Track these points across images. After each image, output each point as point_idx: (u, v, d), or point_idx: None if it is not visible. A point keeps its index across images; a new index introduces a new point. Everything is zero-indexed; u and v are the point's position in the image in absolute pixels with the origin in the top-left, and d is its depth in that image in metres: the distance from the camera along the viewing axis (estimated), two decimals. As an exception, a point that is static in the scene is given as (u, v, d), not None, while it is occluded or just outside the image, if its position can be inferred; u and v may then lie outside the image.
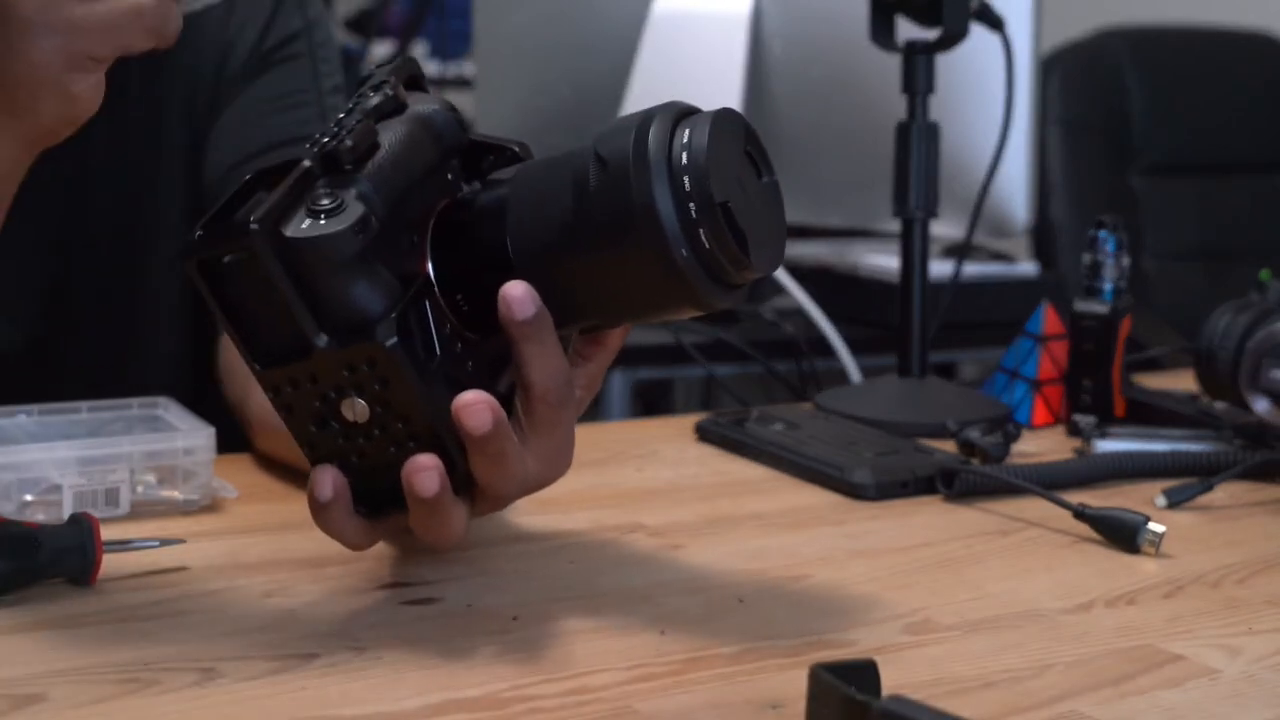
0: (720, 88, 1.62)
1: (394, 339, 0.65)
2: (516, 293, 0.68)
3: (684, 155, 0.67)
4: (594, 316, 0.72)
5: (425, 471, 0.67)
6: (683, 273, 0.67)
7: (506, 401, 0.71)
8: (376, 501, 0.70)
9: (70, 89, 0.69)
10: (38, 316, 1.06)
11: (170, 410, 0.92)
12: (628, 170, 0.67)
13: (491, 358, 0.71)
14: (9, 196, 0.77)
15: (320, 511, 0.69)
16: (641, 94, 1.64)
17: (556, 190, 0.69)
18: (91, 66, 0.69)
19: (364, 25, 3.47)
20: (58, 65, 0.68)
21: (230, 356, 1.05)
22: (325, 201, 0.65)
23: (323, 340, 0.66)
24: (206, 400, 1.02)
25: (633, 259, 0.67)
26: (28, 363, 1.06)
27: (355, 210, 0.65)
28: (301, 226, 0.65)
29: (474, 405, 0.66)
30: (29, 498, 0.83)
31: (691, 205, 0.66)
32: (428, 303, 0.68)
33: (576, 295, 0.70)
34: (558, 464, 0.73)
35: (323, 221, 0.65)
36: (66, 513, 0.80)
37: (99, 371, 1.06)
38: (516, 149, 0.76)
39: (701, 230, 0.67)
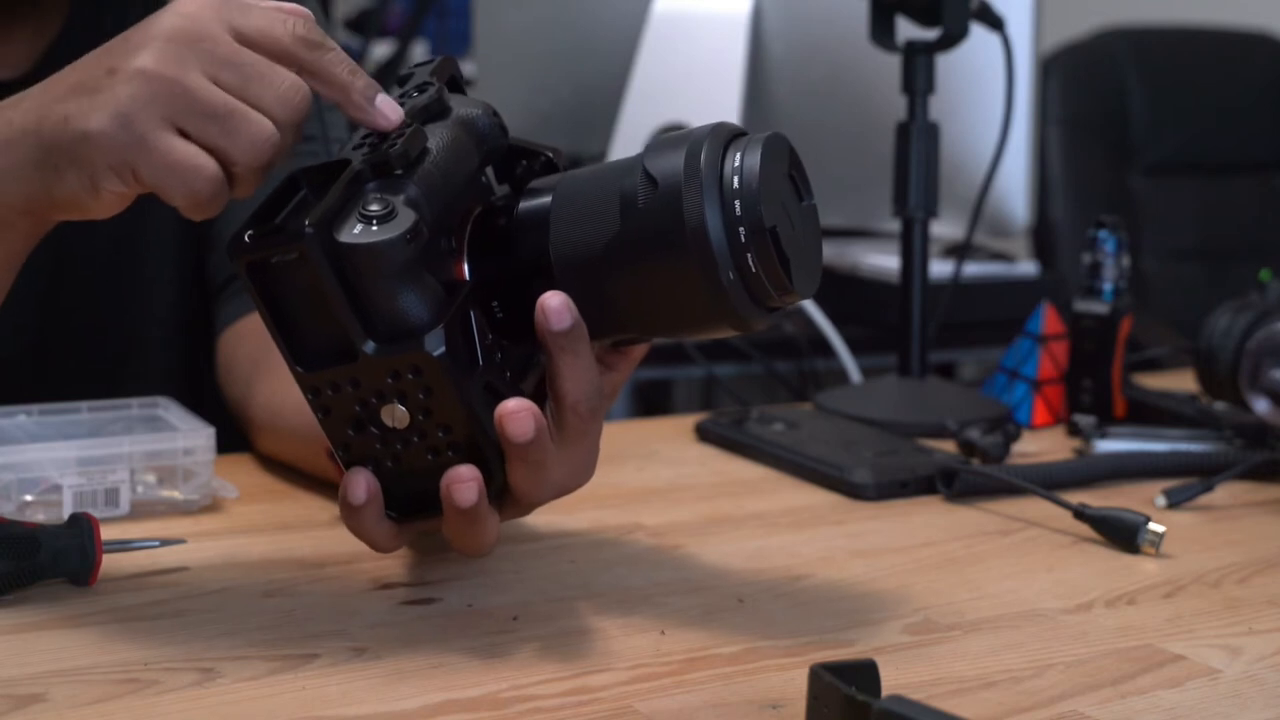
0: (720, 88, 1.62)
1: (442, 348, 0.65)
2: (554, 303, 0.68)
3: (735, 179, 0.67)
4: (632, 330, 0.72)
5: (465, 484, 0.67)
6: (727, 294, 0.67)
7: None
8: (408, 506, 0.70)
9: (100, 181, 0.67)
10: (34, 324, 1.06)
11: (170, 410, 0.92)
12: (680, 190, 0.67)
13: (522, 364, 0.72)
14: (13, 268, 0.76)
15: (352, 514, 0.70)
16: (641, 94, 1.65)
17: (603, 204, 0.69)
18: (129, 181, 0.67)
19: (364, 25, 3.47)
20: (109, 161, 0.67)
21: (230, 356, 1.05)
22: (376, 207, 0.65)
23: (370, 346, 0.66)
24: (204, 404, 1.02)
25: (678, 277, 0.67)
26: (25, 369, 1.06)
27: (407, 217, 0.65)
28: (354, 231, 0.65)
29: (518, 413, 0.66)
30: (29, 498, 0.83)
31: (741, 229, 0.67)
32: (471, 312, 0.68)
33: (617, 309, 0.70)
34: (583, 473, 0.73)
35: (374, 227, 0.65)
36: (66, 513, 0.80)
37: (96, 377, 1.06)
38: (550, 154, 0.76)
39: (749, 254, 0.67)
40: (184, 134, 0.67)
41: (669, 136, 0.70)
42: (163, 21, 0.68)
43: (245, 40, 0.68)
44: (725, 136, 0.69)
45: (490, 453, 0.68)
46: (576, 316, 0.68)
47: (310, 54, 0.69)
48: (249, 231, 0.66)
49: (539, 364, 0.72)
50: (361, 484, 0.69)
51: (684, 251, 0.67)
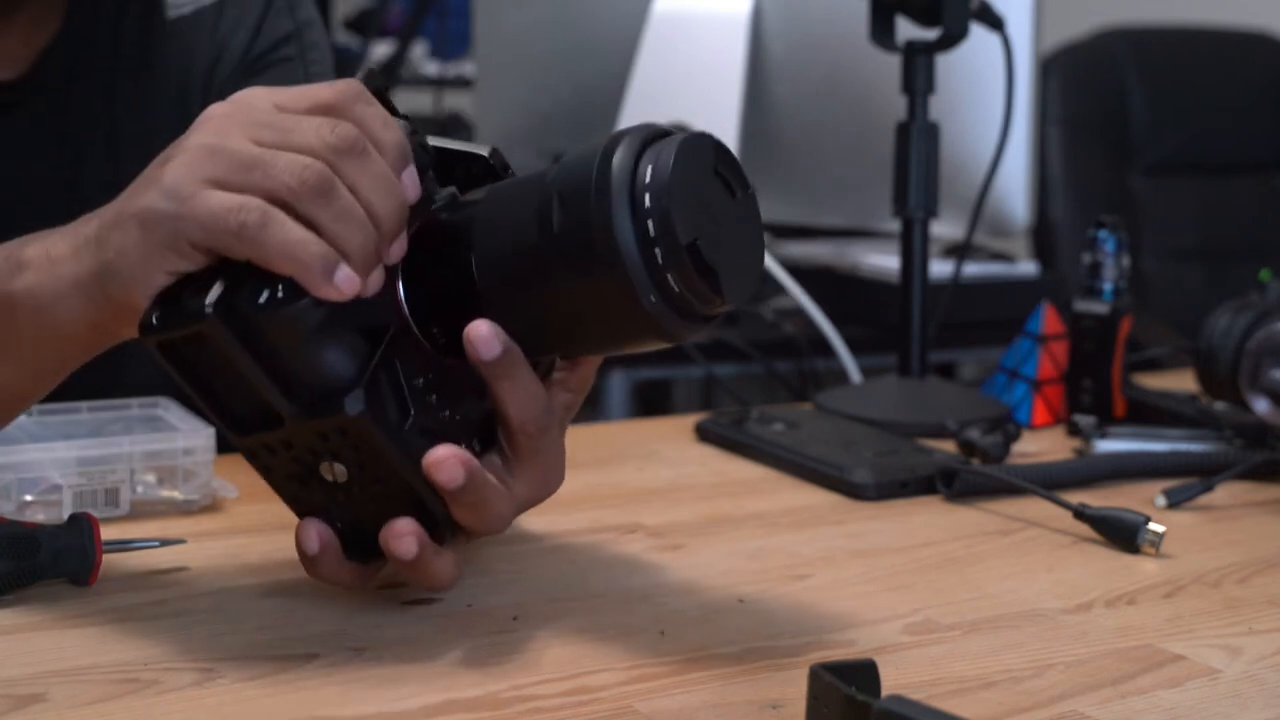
0: (720, 88, 1.62)
1: (361, 408, 0.64)
2: (482, 332, 0.67)
3: (646, 196, 0.64)
4: (563, 349, 0.71)
5: (402, 538, 0.67)
6: (651, 316, 0.65)
7: (490, 428, 0.71)
8: (366, 551, 0.70)
9: (157, 271, 0.66)
10: None
11: (170, 410, 0.92)
12: (590, 210, 0.64)
13: (474, 381, 0.70)
14: (41, 361, 0.75)
15: (311, 563, 0.70)
16: (641, 94, 1.65)
17: (523, 220, 0.66)
18: (187, 255, 0.66)
19: (364, 25, 3.47)
20: (161, 235, 0.66)
21: None
22: (274, 279, 0.64)
23: (292, 411, 0.65)
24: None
25: (599, 300, 0.65)
26: None
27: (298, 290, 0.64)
28: (259, 301, 0.64)
29: (445, 462, 0.66)
30: (29, 498, 0.83)
31: (658, 250, 0.64)
32: (397, 360, 0.67)
33: (545, 327, 0.68)
34: (548, 485, 0.73)
35: (280, 294, 0.64)
36: (66, 513, 0.80)
37: (92, 381, 1.06)
38: (487, 155, 0.74)
39: (670, 274, 0.64)
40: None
41: (588, 146, 0.66)
42: (210, 110, 0.69)
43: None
44: (639, 144, 0.66)
45: (430, 500, 0.67)
46: (506, 342, 0.67)
47: (342, 163, 0.67)
48: (152, 316, 0.65)
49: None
50: (313, 534, 0.69)
51: (600, 276, 0.64)
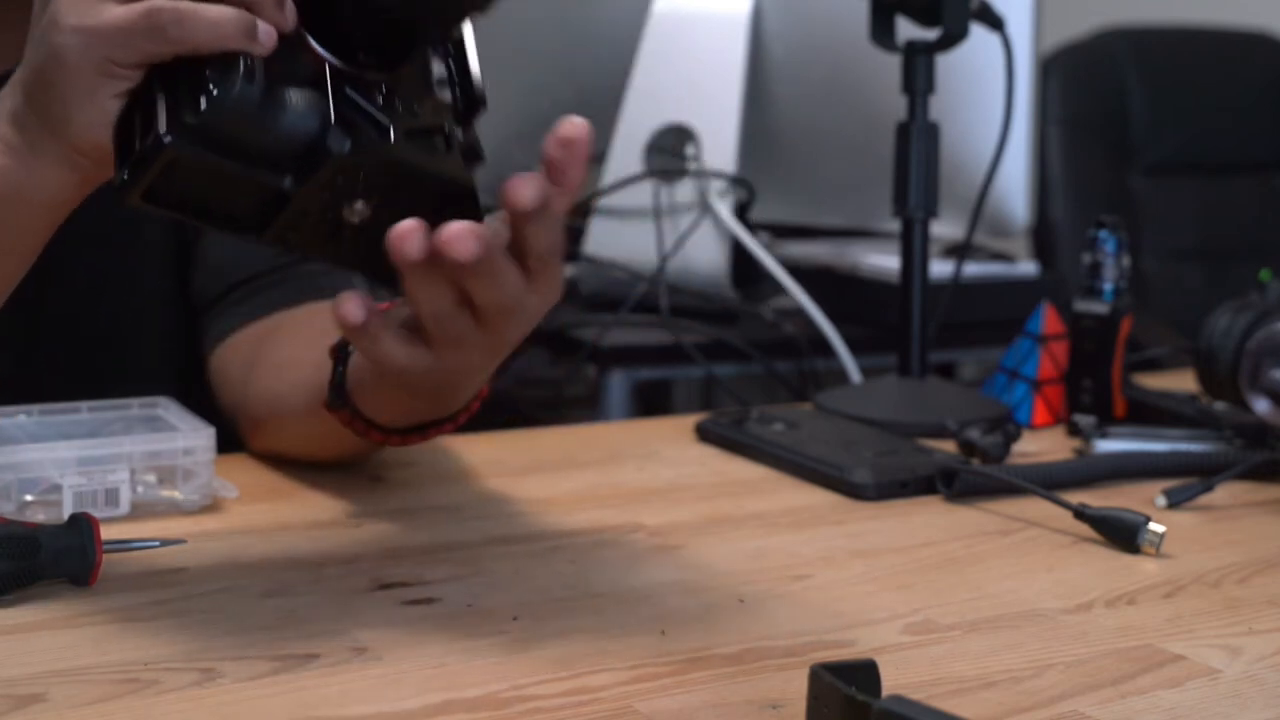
0: (720, 88, 1.62)
1: (345, 143, 0.66)
2: (524, 191, 0.67)
3: None
4: None
5: (409, 235, 0.66)
6: None
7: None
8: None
9: (103, 101, 0.67)
10: (22, 333, 1.05)
11: (170, 410, 0.92)
12: None
13: (423, 75, 0.70)
14: (53, 226, 0.76)
15: (361, 335, 0.70)
16: (641, 94, 1.64)
17: None
18: (120, 74, 0.67)
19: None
20: (88, 68, 0.67)
21: (223, 369, 1.04)
22: (208, 71, 0.65)
23: (289, 183, 0.66)
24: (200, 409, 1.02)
25: None
26: (12, 379, 1.05)
27: (233, 61, 0.65)
28: (201, 107, 0.65)
29: (458, 239, 0.66)
30: (29, 498, 0.83)
31: None
32: (348, 89, 0.68)
33: None
34: (554, 294, 0.72)
35: (214, 90, 0.65)
36: (66, 513, 0.80)
37: (86, 391, 1.06)
38: None
39: None
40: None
41: None
42: None
43: None
44: None
45: (457, 178, 0.69)
46: (545, 187, 0.67)
47: None
48: (122, 174, 0.66)
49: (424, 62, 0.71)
50: (356, 304, 0.69)
51: None
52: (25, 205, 0.73)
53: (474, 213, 0.70)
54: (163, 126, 0.65)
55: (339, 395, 0.86)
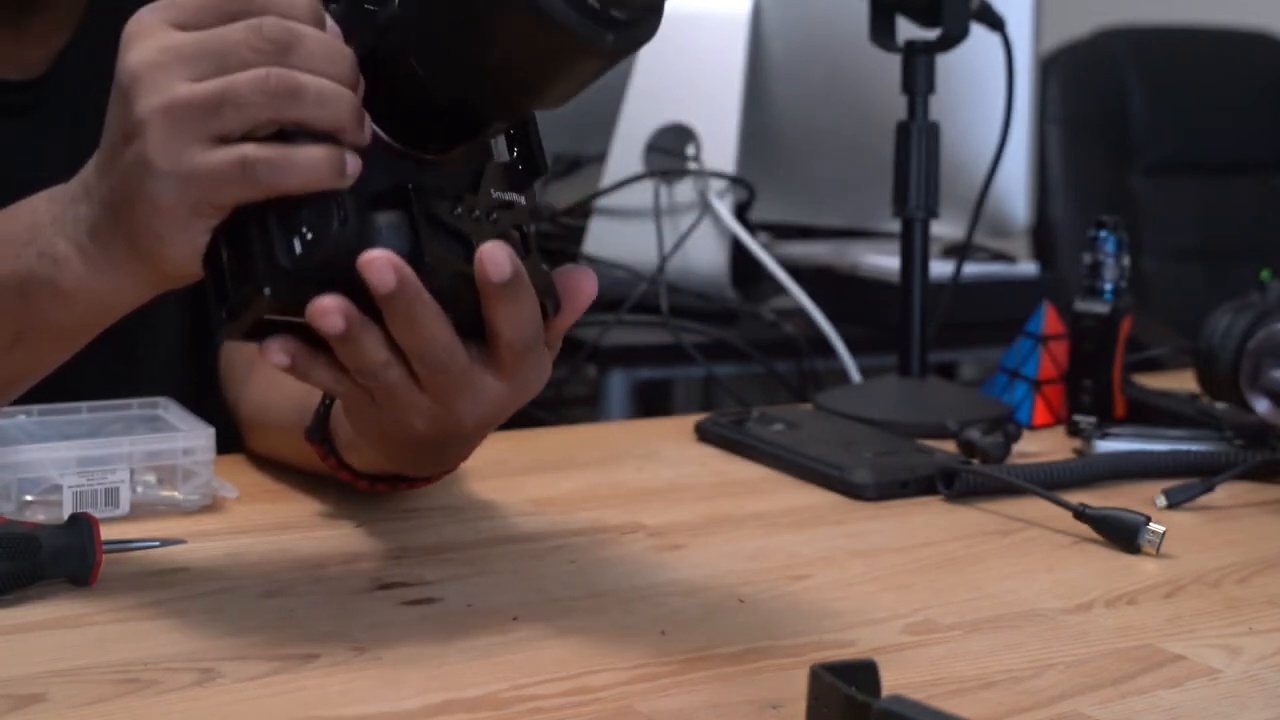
0: (720, 88, 1.62)
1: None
2: (496, 255, 0.66)
3: None
4: (508, 99, 0.69)
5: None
6: (551, 17, 0.63)
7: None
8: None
9: (196, 237, 0.67)
10: None
11: (170, 410, 0.92)
12: None
13: (461, 175, 0.70)
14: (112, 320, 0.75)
15: (293, 372, 0.69)
16: (641, 94, 1.65)
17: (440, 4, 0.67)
18: (213, 213, 0.66)
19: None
20: (183, 210, 0.66)
21: (229, 364, 1.05)
22: (301, 210, 0.65)
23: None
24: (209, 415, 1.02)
25: (517, 29, 0.64)
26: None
27: (324, 199, 0.65)
28: (297, 251, 0.65)
29: (375, 263, 0.65)
30: (29, 498, 0.83)
31: None
32: (427, 203, 0.67)
33: (489, 83, 0.67)
34: (529, 389, 0.72)
35: (308, 233, 0.65)
36: (66, 513, 0.80)
37: (98, 380, 1.06)
38: None
39: None
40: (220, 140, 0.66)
41: None
42: (125, 65, 0.67)
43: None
44: None
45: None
46: (515, 262, 0.66)
47: (287, 57, 0.66)
48: (220, 314, 0.67)
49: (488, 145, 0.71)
50: (274, 351, 0.68)
51: (513, 5, 0.64)
52: (96, 310, 0.73)
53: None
54: (261, 273, 0.65)
55: (319, 428, 0.86)
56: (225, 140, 0.65)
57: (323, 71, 0.65)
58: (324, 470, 0.90)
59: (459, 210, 0.69)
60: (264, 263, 0.65)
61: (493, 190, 0.71)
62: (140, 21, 0.68)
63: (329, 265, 0.65)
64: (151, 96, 0.66)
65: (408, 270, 0.65)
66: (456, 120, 0.69)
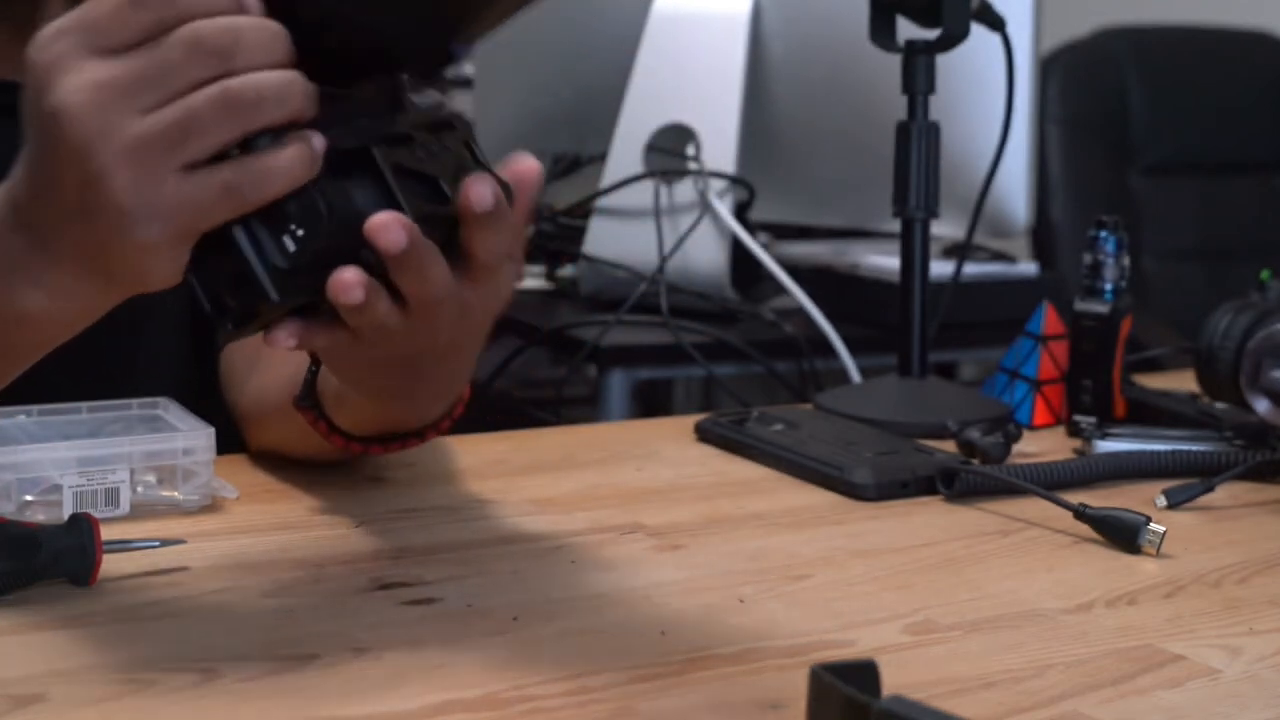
0: (720, 88, 1.62)
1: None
2: (483, 191, 0.66)
3: None
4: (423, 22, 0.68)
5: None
6: None
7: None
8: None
9: (180, 256, 0.65)
10: None
11: (170, 410, 0.92)
12: None
13: (378, 97, 0.69)
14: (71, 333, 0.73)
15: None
16: (641, 94, 1.65)
17: None
18: (198, 234, 0.65)
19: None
20: (165, 244, 0.64)
21: (230, 365, 1.05)
22: (286, 208, 0.65)
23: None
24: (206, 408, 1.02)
25: None
26: (24, 385, 1.05)
27: (304, 193, 0.64)
28: (291, 250, 0.65)
29: (384, 229, 0.65)
30: (29, 498, 0.83)
31: None
32: (392, 156, 0.67)
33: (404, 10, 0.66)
34: (504, 294, 0.72)
35: (299, 231, 0.65)
36: (66, 513, 0.80)
37: (98, 380, 1.06)
38: None
39: None
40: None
41: None
42: (54, 105, 0.63)
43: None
44: None
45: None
46: (498, 193, 0.67)
47: (229, 63, 0.64)
48: (226, 326, 0.66)
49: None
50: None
51: None
52: (54, 335, 0.71)
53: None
54: (262, 280, 0.65)
55: (308, 394, 0.86)
56: (195, 165, 0.63)
57: (267, 63, 0.64)
58: (323, 454, 0.91)
59: (420, 153, 0.68)
60: (262, 269, 0.65)
61: (416, 100, 0.70)
62: (51, 51, 0.64)
63: (325, 252, 0.65)
64: (105, 141, 0.62)
65: (413, 226, 0.66)
66: (371, 52, 0.68)
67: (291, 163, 0.64)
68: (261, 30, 0.64)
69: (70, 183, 0.64)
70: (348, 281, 0.65)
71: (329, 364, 0.79)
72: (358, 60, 0.68)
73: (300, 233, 0.65)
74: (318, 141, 0.65)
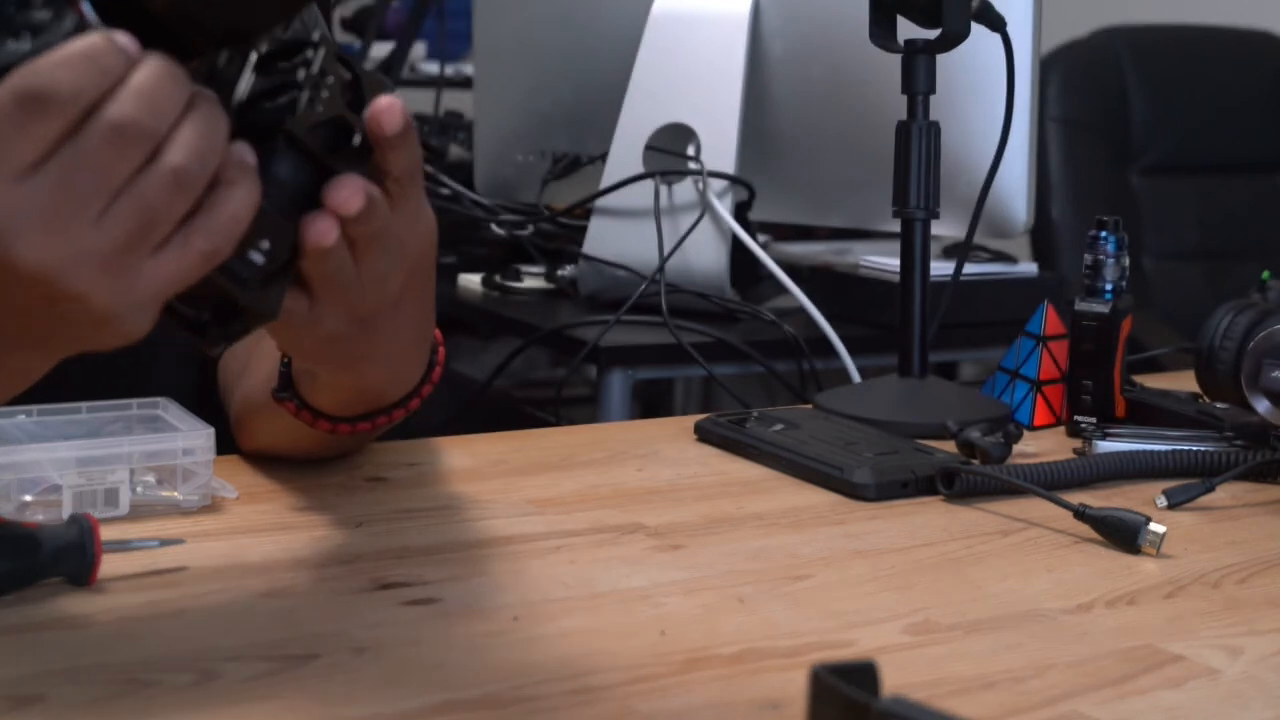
0: (720, 88, 1.62)
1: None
2: (390, 106, 0.67)
3: None
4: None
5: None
6: None
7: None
8: None
9: (154, 319, 0.64)
10: None
11: (170, 410, 0.92)
12: None
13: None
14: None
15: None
16: (641, 94, 1.64)
17: None
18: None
19: (363, 25, 3.47)
20: (146, 320, 0.64)
21: (225, 370, 1.05)
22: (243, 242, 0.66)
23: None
24: (207, 409, 1.02)
25: None
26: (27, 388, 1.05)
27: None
28: (259, 264, 0.66)
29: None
30: (29, 498, 0.83)
31: None
32: (300, 134, 0.67)
33: None
34: (425, 219, 0.74)
35: (266, 245, 0.66)
36: (66, 513, 0.80)
37: (100, 378, 1.06)
38: None
39: None
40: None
41: None
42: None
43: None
44: None
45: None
46: (406, 115, 0.68)
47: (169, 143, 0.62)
48: (220, 343, 0.68)
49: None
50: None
51: None
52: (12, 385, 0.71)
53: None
54: (241, 301, 0.66)
55: (285, 385, 0.87)
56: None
57: (178, 110, 0.61)
58: (314, 446, 0.91)
59: (319, 108, 0.68)
60: (239, 290, 0.66)
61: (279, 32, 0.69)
62: None
63: (290, 254, 0.67)
64: (74, 265, 0.60)
65: (364, 181, 0.67)
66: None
67: (244, 205, 0.64)
68: (162, 80, 0.60)
69: (38, 304, 0.62)
70: (323, 229, 0.67)
71: (289, 348, 0.79)
72: (215, 37, 0.66)
73: (265, 244, 0.66)
74: (249, 157, 0.64)
